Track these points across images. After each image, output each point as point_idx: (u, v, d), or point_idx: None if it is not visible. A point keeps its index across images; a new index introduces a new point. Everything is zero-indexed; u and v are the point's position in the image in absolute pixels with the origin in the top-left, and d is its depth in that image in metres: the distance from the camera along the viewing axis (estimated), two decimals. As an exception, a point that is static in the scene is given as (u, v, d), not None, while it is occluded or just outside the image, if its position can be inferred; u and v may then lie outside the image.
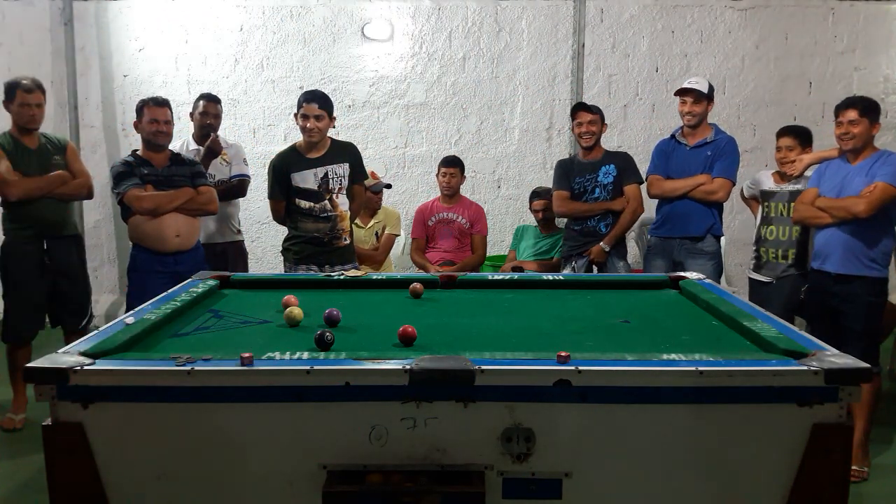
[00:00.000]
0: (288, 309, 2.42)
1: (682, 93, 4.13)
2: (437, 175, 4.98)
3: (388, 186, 5.05)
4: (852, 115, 3.43)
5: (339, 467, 1.79)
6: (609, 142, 4.72)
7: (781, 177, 4.00)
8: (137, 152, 3.99)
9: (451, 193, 4.91)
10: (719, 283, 3.87)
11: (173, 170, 3.95)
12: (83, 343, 2.01)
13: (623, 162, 4.35)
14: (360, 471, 1.79)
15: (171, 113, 4.01)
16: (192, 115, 4.66)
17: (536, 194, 4.98)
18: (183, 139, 4.66)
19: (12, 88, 3.91)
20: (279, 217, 4.10)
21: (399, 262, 5.25)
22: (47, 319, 4.15)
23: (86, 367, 1.80)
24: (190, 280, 2.99)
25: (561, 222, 4.82)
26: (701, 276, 3.10)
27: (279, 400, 1.78)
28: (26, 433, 3.81)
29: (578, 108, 4.38)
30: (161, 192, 3.86)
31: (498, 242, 5.72)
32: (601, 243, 4.27)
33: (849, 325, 3.44)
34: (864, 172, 3.42)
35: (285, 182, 3.94)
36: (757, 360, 1.88)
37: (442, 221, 4.90)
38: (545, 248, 4.90)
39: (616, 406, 1.79)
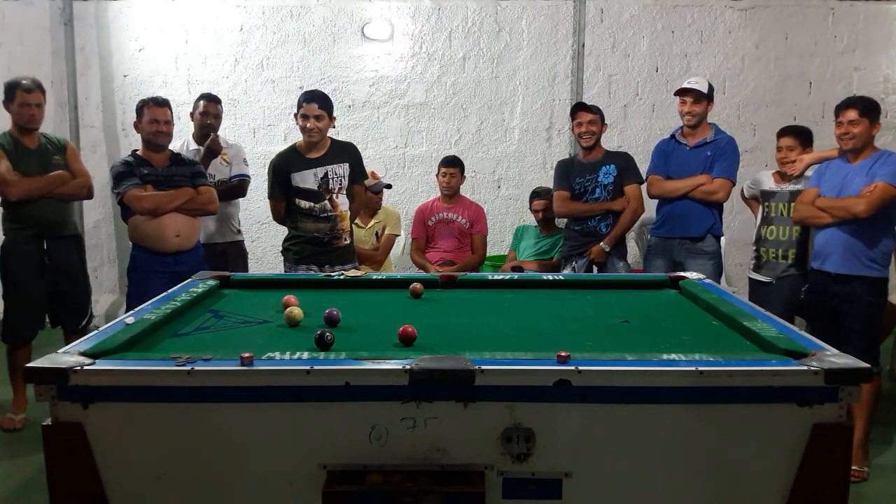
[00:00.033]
0: (288, 309, 2.42)
1: (681, 93, 4.13)
2: (437, 175, 4.98)
3: (389, 186, 5.06)
4: (852, 115, 3.44)
5: (339, 467, 1.79)
6: (609, 142, 4.72)
7: (782, 177, 4.00)
8: (137, 152, 4.00)
9: (451, 193, 4.91)
10: (719, 283, 3.87)
11: (173, 170, 3.95)
12: (83, 343, 2.01)
13: (623, 162, 4.35)
14: (360, 471, 1.79)
15: (171, 113, 4.01)
16: (192, 115, 4.66)
17: (536, 194, 4.98)
18: (183, 139, 4.67)
19: (12, 88, 3.91)
20: (279, 217, 4.10)
21: (399, 262, 5.25)
22: (47, 319, 4.15)
23: (86, 367, 1.80)
24: (190, 280, 2.99)
25: (561, 222, 4.82)
26: (701, 276, 3.10)
27: (279, 400, 1.78)
28: (26, 433, 3.81)
29: (578, 108, 4.38)
30: (161, 192, 3.86)
31: (498, 242, 5.72)
32: (601, 243, 4.27)
33: (849, 325, 3.45)
34: (865, 172, 3.42)
35: (285, 182, 3.94)
36: (757, 360, 1.88)
37: (442, 221, 4.90)
38: (545, 248, 4.90)
39: (616, 406, 1.79)
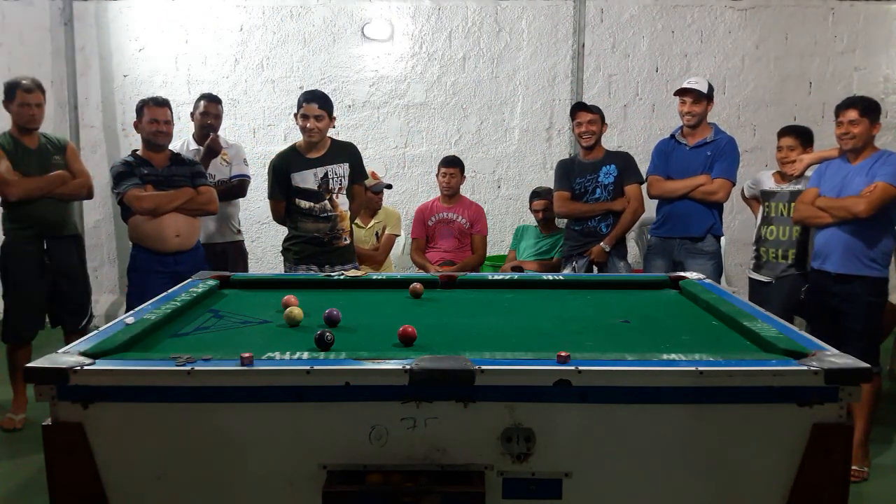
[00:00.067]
0: (288, 309, 2.42)
1: (681, 93, 4.13)
2: (437, 175, 4.98)
3: (389, 187, 5.06)
4: (852, 115, 3.44)
5: (339, 467, 1.79)
6: (609, 142, 4.72)
7: (782, 177, 4.00)
8: (137, 152, 4.00)
9: (451, 193, 4.91)
10: (719, 283, 3.87)
11: (173, 170, 3.95)
12: (83, 343, 2.01)
13: (624, 162, 4.35)
14: (360, 471, 1.79)
15: (171, 113, 4.01)
16: (192, 115, 4.66)
17: (536, 194, 4.98)
18: (183, 139, 4.66)
19: (12, 88, 3.91)
20: (279, 217, 4.10)
21: (399, 262, 5.25)
22: (47, 319, 4.15)
23: (86, 367, 1.80)
24: (190, 280, 2.99)
25: (561, 222, 4.82)
26: (701, 276, 3.10)
27: (279, 400, 1.78)
28: (26, 433, 3.81)
29: (578, 107, 4.38)
30: (161, 192, 3.86)
31: (498, 242, 5.72)
32: (601, 243, 4.27)
33: (849, 325, 3.44)
34: (865, 172, 3.43)
35: (285, 182, 3.94)
36: (757, 360, 1.88)
37: (442, 221, 4.90)
38: (545, 248, 4.90)
39: (616, 406, 1.79)
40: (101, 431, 1.79)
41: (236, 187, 4.59)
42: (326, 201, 3.94)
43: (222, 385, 1.79)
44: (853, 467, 3.19)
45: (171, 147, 4.09)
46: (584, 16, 5.63)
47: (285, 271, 4.02)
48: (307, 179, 3.92)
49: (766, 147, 5.32)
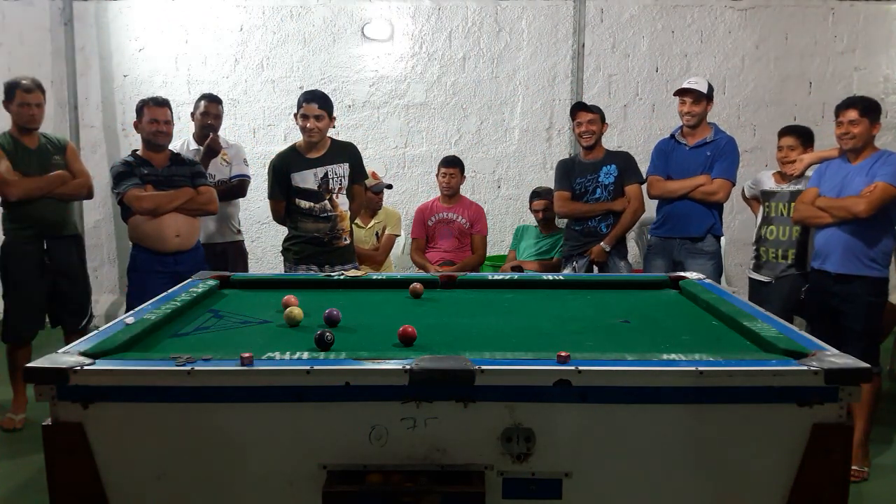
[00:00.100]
0: (288, 309, 2.42)
1: (681, 93, 4.13)
2: (436, 175, 4.98)
3: (389, 187, 5.06)
4: (852, 115, 3.44)
5: (339, 467, 1.79)
6: (609, 142, 4.72)
7: (782, 177, 4.00)
8: (137, 152, 4.00)
9: (451, 193, 4.91)
10: (719, 283, 3.87)
11: (173, 170, 3.95)
12: (83, 343, 2.01)
13: (624, 162, 4.34)
14: (360, 471, 1.79)
15: (171, 113, 4.01)
16: (192, 115, 4.66)
17: (536, 194, 4.98)
18: (183, 139, 4.67)
19: (12, 88, 3.91)
20: (279, 217, 4.10)
21: (399, 262, 5.25)
22: (47, 319, 4.15)
23: (86, 367, 1.80)
24: (190, 280, 2.99)
25: (561, 222, 4.82)
26: (701, 276, 3.10)
27: (279, 400, 1.78)
28: (26, 433, 3.81)
29: (578, 107, 4.38)
30: (161, 192, 3.86)
31: (498, 242, 5.72)
32: (602, 243, 4.26)
33: (849, 325, 3.44)
34: (865, 172, 3.43)
35: (285, 182, 3.94)
36: (757, 360, 1.88)
37: (442, 221, 4.90)
38: (545, 248, 4.90)
39: (616, 406, 1.79)
40: (101, 431, 1.79)
41: (236, 187, 4.59)
42: (326, 201, 3.94)
43: (222, 385, 1.79)
44: (853, 467, 3.19)
45: (171, 147, 4.09)
46: (584, 16, 5.63)
47: (285, 271, 4.02)
48: (307, 179, 3.92)
49: (766, 147, 5.32)
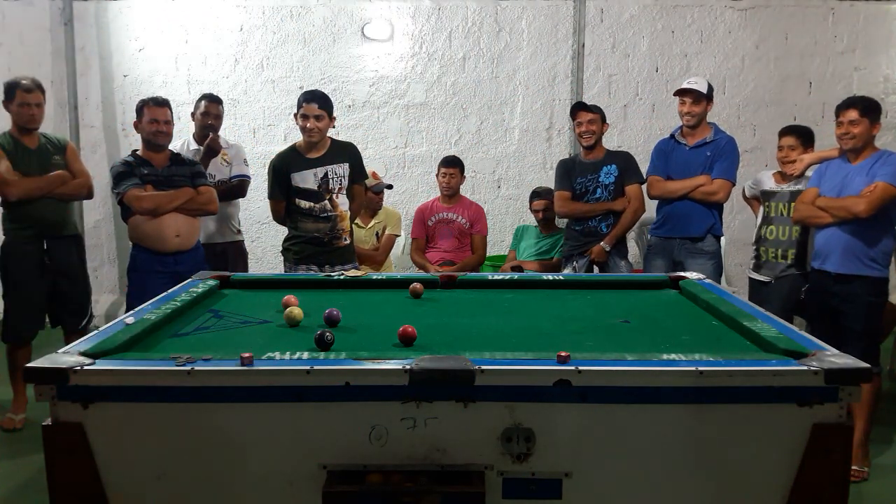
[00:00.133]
0: (288, 309, 2.42)
1: (681, 93, 4.13)
2: (436, 175, 4.98)
3: (390, 187, 5.06)
4: (853, 115, 3.44)
5: (339, 467, 1.79)
6: (609, 142, 4.72)
7: (782, 177, 4.01)
8: (137, 152, 4.00)
9: (451, 193, 4.91)
10: (719, 283, 3.87)
11: (173, 170, 3.95)
12: (83, 343, 2.01)
13: (624, 162, 4.34)
14: (360, 471, 1.79)
15: (171, 113, 4.01)
16: (193, 115, 4.66)
17: (536, 194, 4.98)
18: (183, 139, 4.67)
19: (12, 88, 3.91)
20: (279, 217, 4.10)
21: (399, 262, 5.25)
22: (47, 319, 4.15)
23: (86, 367, 1.80)
24: (190, 280, 2.99)
25: (561, 222, 4.82)
26: (701, 276, 3.10)
27: (279, 400, 1.78)
28: (26, 433, 3.81)
29: (578, 107, 4.38)
30: (161, 192, 3.86)
31: (498, 242, 5.72)
32: (602, 243, 4.26)
33: (849, 325, 3.44)
34: (865, 172, 3.43)
35: (285, 182, 3.94)
36: (757, 360, 1.88)
37: (442, 221, 4.90)
38: (545, 248, 4.90)
39: (616, 406, 1.79)
40: (101, 431, 1.79)
41: (236, 187, 4.59)
42: (326, 201, 3.94)
43: (222, 385, 1.79)
44: (853, 467, 3.19)
45: (171, 147, 4.09)
46: (584, 16, 5.63)
47: (285, 271, 4.02)
48: (307, 179, 3.92)
49: (766, 147, 5.32)
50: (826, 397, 1.77)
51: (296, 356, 1.89)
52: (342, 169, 3.96)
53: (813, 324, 3.63)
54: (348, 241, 4.06)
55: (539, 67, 5.74)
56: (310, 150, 3.94)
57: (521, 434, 1.78)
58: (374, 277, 3.16)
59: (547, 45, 5.72)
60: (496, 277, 3.20)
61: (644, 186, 4.33)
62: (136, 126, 3.99)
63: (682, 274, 3.13)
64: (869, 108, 3.45)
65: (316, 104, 3.84)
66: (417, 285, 2.87)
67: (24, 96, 3.88)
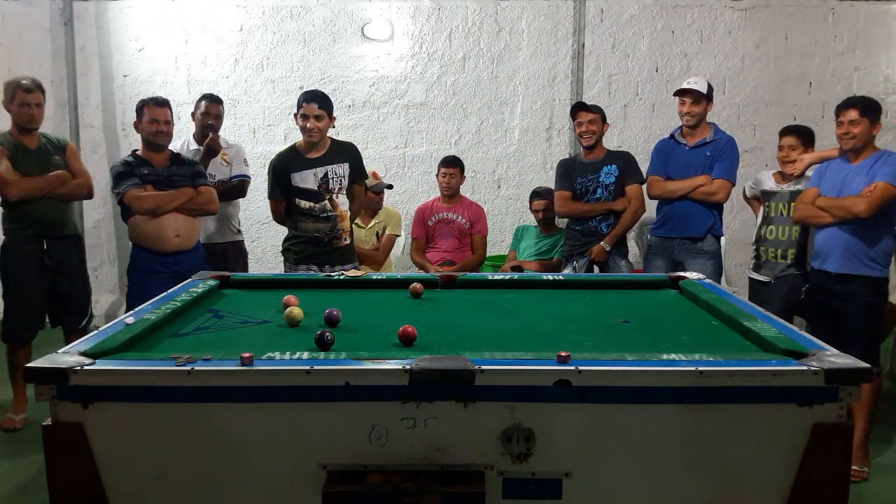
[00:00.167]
0: (288, 309, 2.42)
1: (681, 93, 4.13)
2: (436, 175, 4.98)
3: (390, 187, 5.06)
4: (853, 115, 3.44)
5: (339, 467, 1.79)
6: (609, 142, 4.72)
7: (782, 177, 4.01)
8: (137, 152, 4.00)
9: (451, 193, 4.91)
10: (719, 283, 3.87)
11: (173, 170, 3.95)
12: (83, 343, 2.01)
13: (624, 162, 4.34)
14: (360, 471, 1.79)
15: (171, 113, 4.01)
16: (193, 115, 4.66)
17: (537, 194, 4.98)
18: (183, 139, 4.67)
19: (12, 88, 3.91)
20: (279, 217, 4.10)
21: (399, 262, 5.25)
22: (47, 319, 4.15)
23: (86, 367, 1.80)
24: (190, 280, 2.99)
25: (561, 222, 4.82)
26: (701, 276, 3.10)
27: (279, 400, 1.78)
28: (26, 433, 3.81)
29: (578, 107, 4.38)
30: (161, 192, 3.86)
31: (498, 242, 5.72)
32: (602, 243, 4.26)
33: (849, 325, 3.44)
34: (865, 172, 3.43)
35: (285, 182, 3.94)
36: (757, 360, 1.88)
37: (442, 221, 4.90)
38: (545, 248, 4.90)
39: (616, 406, 1.79)
40: (101, 431, 1.79)
41: (236, 187, 4.59)
42: (326, 201, 3.94)
43: (222, 385, 1.79)
44: (853, 467, 3.19)
45: (171, 147, 4.09)
46: (584, 16, 5.63)
47: (285, 271, 4.02)
48: (307, 179, 3.92)
49: (766, 147, 5.32)
50: (826, 397, 1.77)
51: (296, 356, 1.89)
52: (342, 169, 3.96)
53: (813, 324, 3.63)
54: (348, 241, 4.06)
55: (539, 67, 5.74)
56: (310, 150, 3.94)
57: (521, 434, 1.78)
58: (374, 277, 3.16)
59: (547, 45, 5.72)
60: (496, 277, 3.19)
61: (644, 186, 4.33)
62: (136, 126, 3.99)
63: (682, 274, 3.13)
64: (869, 108, 3.45)
65: (316, 104, 3.84)
66: (417, 285, 2.87)
67: (24, 96, 3.88)
